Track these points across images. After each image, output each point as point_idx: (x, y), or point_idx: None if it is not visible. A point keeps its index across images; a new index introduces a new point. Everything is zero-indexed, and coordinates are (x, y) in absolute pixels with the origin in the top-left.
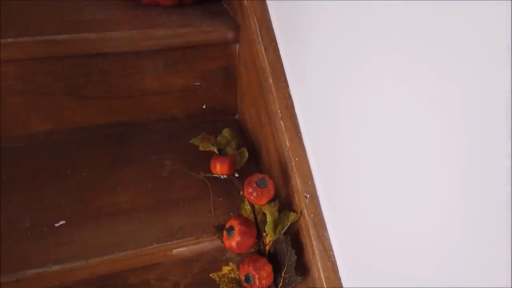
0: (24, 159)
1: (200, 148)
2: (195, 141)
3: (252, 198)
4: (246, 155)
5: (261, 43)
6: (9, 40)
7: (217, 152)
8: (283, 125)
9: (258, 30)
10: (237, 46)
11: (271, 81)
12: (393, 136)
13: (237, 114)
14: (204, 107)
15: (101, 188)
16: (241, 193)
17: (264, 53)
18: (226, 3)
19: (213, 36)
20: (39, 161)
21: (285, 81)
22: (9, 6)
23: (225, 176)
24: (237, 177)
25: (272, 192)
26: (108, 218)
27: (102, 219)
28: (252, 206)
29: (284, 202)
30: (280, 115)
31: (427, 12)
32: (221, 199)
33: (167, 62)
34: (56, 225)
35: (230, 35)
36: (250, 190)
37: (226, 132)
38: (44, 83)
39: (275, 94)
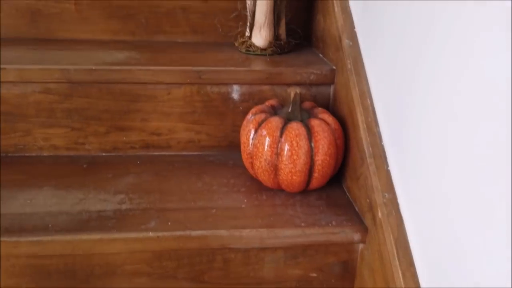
0: None
1: None
2: None
3: None
4: None
5: (398, 266)
6: (150, 234)
7: None
8: None
9: (395, 251)
10: (361, 245)
11: None
12: None
13: None
14: None
15: None
16: None
17: (401, 279)
18: (349, 191)
19: (339, 237)
20: None
21: None
22: (148, 181)
23: None
24: None
25: None
26: None
27: None
28: None
29: None
30: None
31: None
32: None
33: (288, 255)
34: None
35: (356, 237)
36: None
37: None
38: (169, 268)
39: None
